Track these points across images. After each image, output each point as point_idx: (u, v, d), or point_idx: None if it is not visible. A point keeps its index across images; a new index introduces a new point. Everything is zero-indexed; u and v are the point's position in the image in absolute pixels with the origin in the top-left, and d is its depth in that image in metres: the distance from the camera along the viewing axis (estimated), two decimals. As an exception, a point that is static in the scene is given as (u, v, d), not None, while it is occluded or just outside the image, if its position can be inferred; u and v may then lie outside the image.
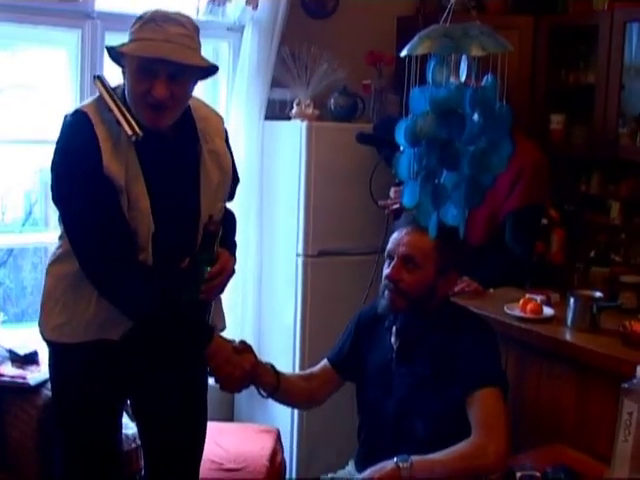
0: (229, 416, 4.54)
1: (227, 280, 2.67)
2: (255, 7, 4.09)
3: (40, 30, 3.82)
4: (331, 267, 4.14)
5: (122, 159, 2.45)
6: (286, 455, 3.88)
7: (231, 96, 4.29)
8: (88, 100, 2.61)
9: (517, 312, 3.08)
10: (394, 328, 2.70)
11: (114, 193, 2.44)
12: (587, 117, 4.35)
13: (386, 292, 2.63)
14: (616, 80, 4.18)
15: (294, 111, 4.16)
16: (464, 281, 3.33)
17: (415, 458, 2.38)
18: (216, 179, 2.66)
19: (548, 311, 3.10)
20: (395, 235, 2.66)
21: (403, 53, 1.94)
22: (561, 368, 2.89)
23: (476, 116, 1.88)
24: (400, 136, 1.95)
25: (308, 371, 2.96)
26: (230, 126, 4.14)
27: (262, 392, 2.74)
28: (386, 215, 3.73)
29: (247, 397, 4.40)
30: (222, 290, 2.71)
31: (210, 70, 2.56)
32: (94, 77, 2.55)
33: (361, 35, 4.54)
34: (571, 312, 2.98)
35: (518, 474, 2.33)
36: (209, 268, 2.59)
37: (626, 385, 2.28)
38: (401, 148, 1.99)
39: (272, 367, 2.76)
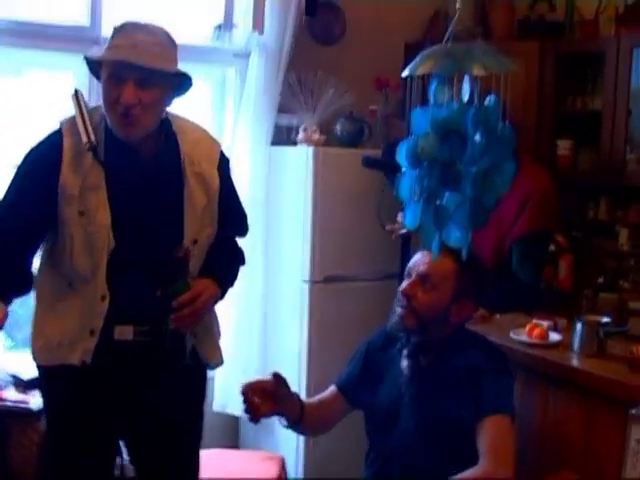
0: (234, 443, 4.50)
1: (199, 310, 2.54)
2: (261, 32, 4.12)
3: (47, 54, 3.87)
4: (338, 293, 4.11)
5: (82, 170, 2.44)
6: (291, 482, 3.86)
7: (237, 122, 4.28)
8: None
9: (523, 337, 3.06)
10: (404, 352, 2.67)
11: (43, 203, 2.44)
12: (594, 142, 4.31)
13: (398, 308, 2.61)
14: (623, 106, 4.14)
15: (300, 136, 4.16)
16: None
17: (420, 485, 2.36)
18: (202, 203, 2.59)
19: (554, 336, 3.08)
20: (418, 255, 2.65)
21: (405, 73, 1.92)
22: (567, 394, 2.86)
23: (478, 136, 1.86)
24: (402, 157, 1.93)
25: (317, 398, 2.90)
26: (236, 151, 4.18)
27: (282, 421, 2.71)
28: (393, 240, 3.72)
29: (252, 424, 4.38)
30: (194, 321, 2.56)
31: (184, 83, 2.53)
32: (74, 91, 2.53)
33: (368, 61, 4.55)
34: (578, 337, 2.97)
35: (524, 501, 2.31)
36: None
37: (634, 411, 2.26)
38: (403, 169, 1.97)
39: (298, 398, 2.74)
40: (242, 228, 2.88)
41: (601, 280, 4.43)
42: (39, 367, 2.64)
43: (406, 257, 3.32)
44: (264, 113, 4.20)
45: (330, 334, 4.07)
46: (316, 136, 4.13)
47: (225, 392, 4.30)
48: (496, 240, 3.56)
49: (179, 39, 4.05)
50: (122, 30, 2.44)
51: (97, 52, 2.46)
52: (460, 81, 1.94)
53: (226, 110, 4.44)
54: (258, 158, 4.23)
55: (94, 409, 2.54)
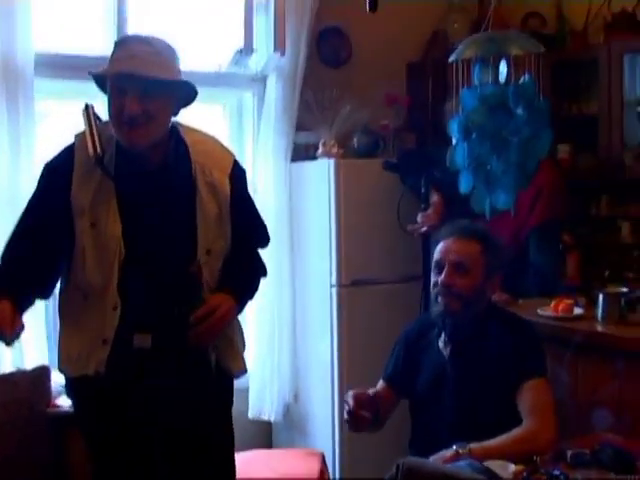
0: (268, 445, 4.62)
1: (216, 325, 2.55)
2: (283, 53, 4.35)
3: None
4: (365, 296, 4.26)
5: (92, 182, 2.49)
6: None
7: (257, 143, 4.48)
8: None
9: (550, 313, 3.27)
10: (443, 335, 2.83)
11: (55, 218, 2.51)
12: (593, 144, 4.56)
13: (439, 298, 2.76)
14: (618, 110, 4.39)
15: (320, 151, 4.37)
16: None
17: (472, 445, 2.50)
18: (213, 212, 2.58)
19: (579, 310, 3.29)
20: (441, 245, 2.79)
21: (451, 59, 2.19)
22: (596, 359, 3.05)
23: (520, 110, 2.12)
24: (453, 130, 2.19)
25: (372, 391, 2.92)
26: (258, 170, 4.41)
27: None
28: (415, 238, 3.96)
29: (285, 425, 4.56)
30: (213, 335, 2.57)
31: (187, 92, 2.54)
32: (84, 105, 2.55)
33: (375, 80, 4.75)
34: (600, 308, 3.17)
35: (569, 452, 2.41)
36: None
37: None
38: (453, 141, 2.23)
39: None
40: (261, 238, 2.83)
41: (607, 273, 4.63)
42: (66, 379, 2.69)
43: (428, 255, 3.54)
44: (283, 131, 4.40)
45: (359, 336, 4.22)
46: (335, 150, 4.34)
47: (259, 399, 4.45)
48: (514, 230, 3.76)
49: (196, 66, 4.22)
50: (122, 43, 2.50)
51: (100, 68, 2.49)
52: (496, 64, 2.21)
53: (245, 133, 4.64)
54: (279, 175, 4.42)
55: (119, 420, 2.57)
